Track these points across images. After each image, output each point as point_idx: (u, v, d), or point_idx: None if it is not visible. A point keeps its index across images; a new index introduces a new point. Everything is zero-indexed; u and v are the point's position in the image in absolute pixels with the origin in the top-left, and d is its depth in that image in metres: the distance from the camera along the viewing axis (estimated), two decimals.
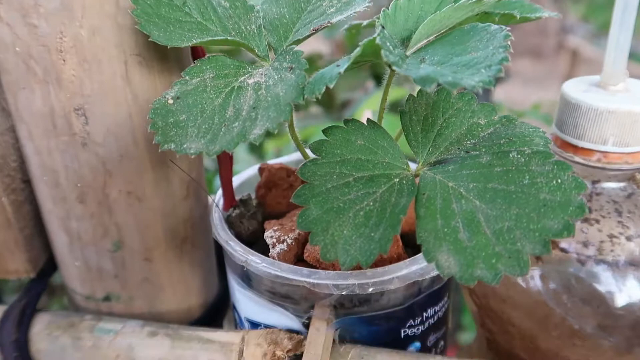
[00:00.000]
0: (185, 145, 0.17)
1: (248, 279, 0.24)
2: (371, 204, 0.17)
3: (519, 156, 0.17)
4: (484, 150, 0.18)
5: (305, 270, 0.21)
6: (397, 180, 0.18)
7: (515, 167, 0.16)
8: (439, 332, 0.25)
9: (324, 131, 0.19)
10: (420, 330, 0.24)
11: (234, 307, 0.26)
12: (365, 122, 0.19)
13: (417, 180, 0.18)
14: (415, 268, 0.21)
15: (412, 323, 0.23)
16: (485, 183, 0.17)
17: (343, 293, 0.20)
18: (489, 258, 0.15)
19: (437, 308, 0.24)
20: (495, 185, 0.16)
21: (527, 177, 0.16)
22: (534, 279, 0.21)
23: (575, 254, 0.20)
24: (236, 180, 0.28)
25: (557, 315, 0.20)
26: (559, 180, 0.15)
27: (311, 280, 0.21)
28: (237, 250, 0.22)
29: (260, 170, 0.27)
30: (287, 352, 0.22)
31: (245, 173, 0.29)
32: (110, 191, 0.23)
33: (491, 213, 0.16)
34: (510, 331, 0.22)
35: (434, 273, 0.21)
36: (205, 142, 0.17)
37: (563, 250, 0.21)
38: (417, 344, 0.24)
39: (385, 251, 0.16)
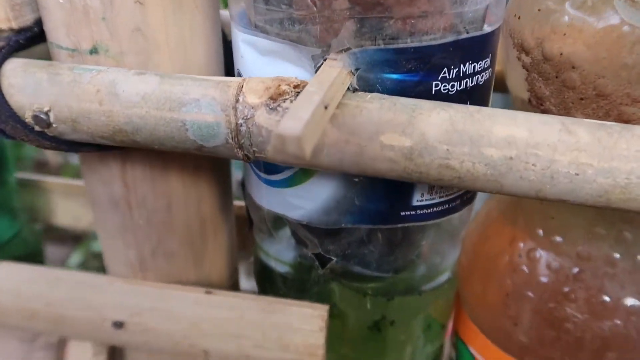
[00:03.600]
0: None
1: (248, 16, 0.21)
2: None
3: None
4: None
5: None
6: None
7: None
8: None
9: None
10: (455, 89, 0.20)
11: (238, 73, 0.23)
12: None
13: None
14: None
15: (447, 75, 0.20)
16: None
17: None
18: None
19: (477, 67, 0.20)
20: None
21: None
22: None
23: None
24: None
25: (635, 33, 0.16)
26: None
27: None
28: None
29: None
30: (295, 87, 0.19)
31: None
32: None
33: None
34: (569, 81, 0.18)
35: None
36: None
37: None
38: None
39: None
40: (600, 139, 0.17)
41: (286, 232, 0.26)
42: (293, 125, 0.13)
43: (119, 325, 0.28)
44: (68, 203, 0.40)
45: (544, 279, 0.23)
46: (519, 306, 0.24)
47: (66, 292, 0.28)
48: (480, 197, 0.28)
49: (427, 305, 0.27)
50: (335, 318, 0.27)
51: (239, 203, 0.36)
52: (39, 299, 0.29)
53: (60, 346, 0.35)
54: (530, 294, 0.23)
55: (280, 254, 0.27)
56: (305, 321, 0.26)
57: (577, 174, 0.17)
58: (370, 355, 0.28)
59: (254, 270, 0.30)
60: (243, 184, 0.28)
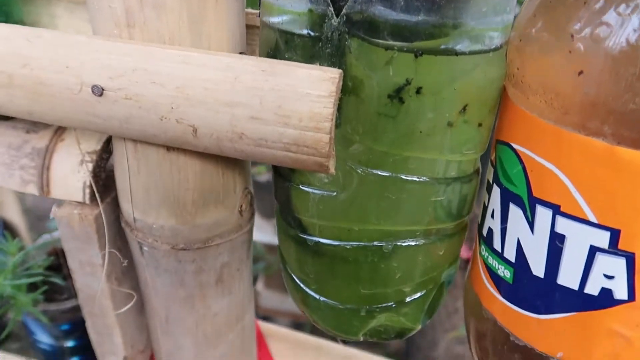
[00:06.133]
0: None
1: None
2: None
3: None
4: None
5: None
6: None
7: None
8: None
9: None
10: None
11: None
12: None
13: None
14: None
15: None
16: None
17: None
18: None
19: None
20: None
21: None
22: None
23: None
24: None
25: None
26: None
27: None
28: None
29: None
30: None
31: None
32: None
33: None
34: None
35: None
36: None
37: None
38: None
39: None
40: None
41: None
42: None
43: (98, 90, 0.24)
44: (73, 22, 0.36)
45: (624, 7, 0.17)
46: (586, 48, 0.18)
47: (44, 51, 0.25)
48: None
49: (463, 75, 0.21)
50: (349, 94, 0.23)
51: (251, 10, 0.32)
52: (15, 59, 0.25)
53: (47, 153, 0.32)
54: (603, 29, 0.18)
55: (289, 3, 0.22)
56: (313, 85, 0.22)
57: None
58: (388, 141, 0.23)
59: (259, 42, 0.25)
60: None
